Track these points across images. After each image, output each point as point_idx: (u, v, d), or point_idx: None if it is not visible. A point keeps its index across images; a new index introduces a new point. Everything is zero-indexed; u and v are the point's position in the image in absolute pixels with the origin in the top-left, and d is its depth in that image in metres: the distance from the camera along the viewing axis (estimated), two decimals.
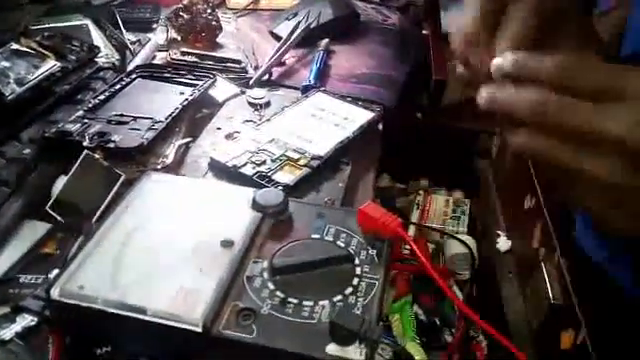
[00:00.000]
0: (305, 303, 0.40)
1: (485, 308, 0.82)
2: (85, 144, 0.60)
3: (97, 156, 0.58)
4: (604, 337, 0.59)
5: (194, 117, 0.71)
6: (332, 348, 0.37)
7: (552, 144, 0.33)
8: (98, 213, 0.55)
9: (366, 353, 0.37)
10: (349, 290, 0.42)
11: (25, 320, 0.44)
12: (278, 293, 0.41)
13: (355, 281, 0.43)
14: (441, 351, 0.74)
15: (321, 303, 0.40)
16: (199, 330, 0.38)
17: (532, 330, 0.67)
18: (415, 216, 0.96)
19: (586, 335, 0.58)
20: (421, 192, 1.00)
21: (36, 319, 0.44)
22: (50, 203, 0.55)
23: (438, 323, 0.79)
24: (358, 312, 0.40)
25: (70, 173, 0.56)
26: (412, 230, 0.93)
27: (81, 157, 0.57)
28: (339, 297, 0.41)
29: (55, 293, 0.40)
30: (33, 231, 0.54)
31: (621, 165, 0.31)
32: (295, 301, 0.40)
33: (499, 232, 0.84)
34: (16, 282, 0.49)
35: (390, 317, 0.77)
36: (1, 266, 0.50)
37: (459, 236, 0.91)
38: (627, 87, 0.31)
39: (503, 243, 0.82)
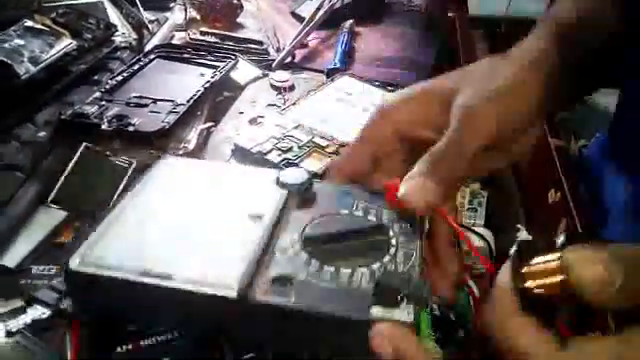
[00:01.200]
0: (343, 270, 0.37)
1: None
2: (104, 127, 0.58)
3: (98, 148, 0.56)
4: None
5: (215, 100, 0.68)
6: (378, 310, 0.35)
7: None
8: (112, 201, 0.53)
9: (415, 312, 0.34)
10: (387, 259, 0.39)
11: (37, 312, 0.42)
12: (313, 262, 0.38)
13: (392, 250, 0.40)
14: (455, 347, 0.72)
15: (360, 270, 0.38)
16: (234, 296, 0.35)
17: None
18: None
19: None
20: None
21: (48, 311, 0.42)
22: (51, 197, 0.52)
23: (453, 318, 0.76)
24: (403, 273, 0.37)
25: (68, 167, 0.54)
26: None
27: (79, 151, 0.55)
28: (377, 264, 0.38)
29: (74, 263, 0.37)
30: (49, 218, 0.51)
31: None
32: (332, 269, 0.38)
33: (519, 226, 0.81)
34: (28, 273, 0.46)
35: None
36: (16, 255, 0.47)
37: (476, 229, 0.88)
38: None
39: (524, 237, 0.79)
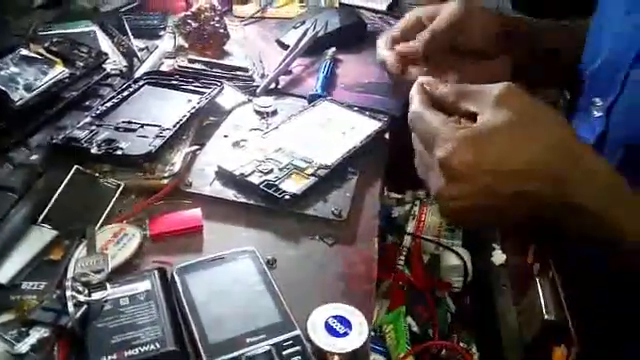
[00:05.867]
0: None
1: (479, 320, 0.82)
2: (93, 151, 0.61)
3: (88, 170, 0.59)
4: (596, 354, 0.59)
5: (201, 125, 0.71)
6: None
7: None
8: (101, 220, 0.56)
9: None
10: None
11: (39, 332, 0.44)
12: None
13: None
14: None
15: None
16: None
17: (525, 344, 0.67)
18: (411, 226, 0.96)
19: (578, 351, 0.57)
20: (417, 202, 1.00)
21: (48, 330, 0.44)
22: (42, 217, 0.55)
23: (431, 335, 0.79)
24: None
25: (60, 188, 0.57)
26: (408, 240, 0.93)
27: (71, 172, 0.58)
28: None
29: None
30: (39, 237, 0.54)
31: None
32: None
33: (494, 245, 0.84)
34: (18, 289, 0.49)
35: (384, 327, 0.77)
36: (7, 272, 0.50)
37: (454, 248, 0.91)
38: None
39: (498, 256, 0.82)
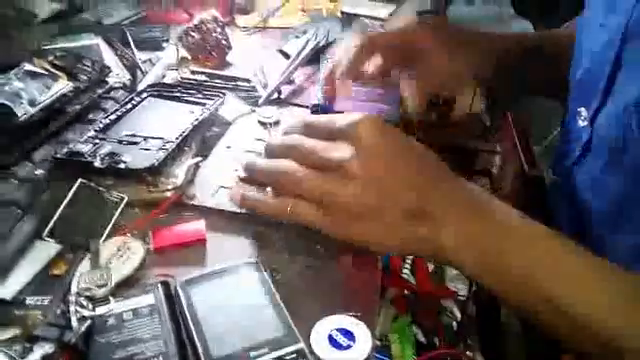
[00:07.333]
0: None
1: (484, 328, 0.82)
2: (96, 165, 0.61)
3: (92, 184, 0.59)
4: None
5: (204, 136, 0.71)
6: None
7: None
8: (105, 234, 0.56)
9: None
10: None
11: (42, 348, 0.44)
12: None
13: None
14: None
15: None
16: None
17: (531, 353, 0.66)
18: None
19: None
20: None
21: (53, 346, 0.44)
22: (46, 231, 0.55)
23: (437, 344, 0.78)
24: None
25: (64, 202, 0.57)
26: None
27: (75, 186, 0.58)
28: None
29: None
30: (44, 251, 0.54)
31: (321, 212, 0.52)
32: None
33: None
34: (23, 304, 0.49)
35: (390, 337, 0.76)
36: (12, 287, 0.50)
37: None
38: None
39: None
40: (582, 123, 0.63)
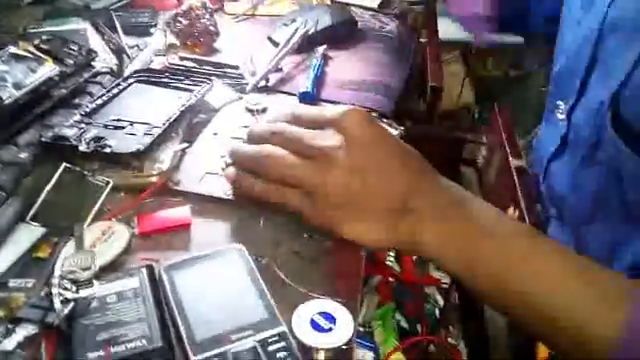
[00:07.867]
0: None
1: (467, 316, 0.83)
2: (82, 149, 0.61)
3: (77, 168, 0.59)
4: None
5: (191, 122, 0.71)
6: None
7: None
8: (90, 218, 0.56)
9: None
10: None
11: (26, 329, 0.44)
12: None
13: None
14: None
15: None
16: None
17: (511, 339, 0.68)
18: None
19: None
20: None
21: (36, 328, 0.44)
22: (30, 214, 0.55)
23: (420, 331, 0.79)
24: None
25: (49, 186, 0.57)
26: None
27: (59, 170, 0.58)
28: None
29: None
30: (28, 235, 0.54)
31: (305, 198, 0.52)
32: None
33: None
34: (6, 286, 0.49)
35: (373, 323, 0.77)
36: None
37: None
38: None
39: None
40: (560, 116, 0.64)
